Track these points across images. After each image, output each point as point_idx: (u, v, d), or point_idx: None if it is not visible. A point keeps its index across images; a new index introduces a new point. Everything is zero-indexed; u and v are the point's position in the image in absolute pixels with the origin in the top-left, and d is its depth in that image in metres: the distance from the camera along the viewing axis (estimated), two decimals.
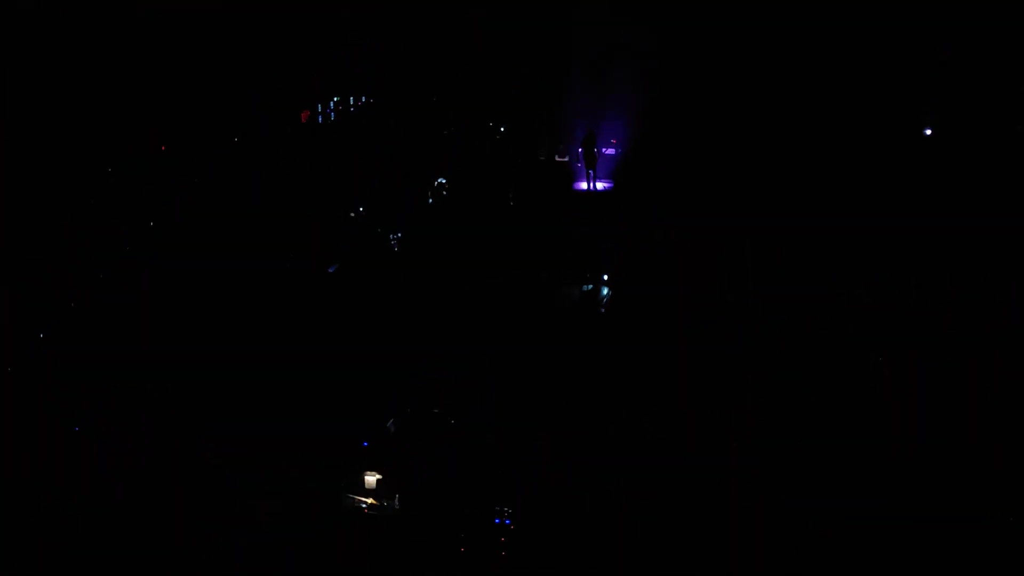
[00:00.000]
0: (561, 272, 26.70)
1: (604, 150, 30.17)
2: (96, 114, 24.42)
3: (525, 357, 23.46)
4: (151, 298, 23.27)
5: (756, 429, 20.35)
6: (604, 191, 30.08)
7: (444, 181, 29.57)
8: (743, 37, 27.38)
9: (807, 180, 25.94)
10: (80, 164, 24.31)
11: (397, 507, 18.95)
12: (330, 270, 25.94)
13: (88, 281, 23.32)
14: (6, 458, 19.17)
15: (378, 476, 19.18)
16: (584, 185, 30.09)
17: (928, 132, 25.57)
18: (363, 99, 30.00)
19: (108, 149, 24.63)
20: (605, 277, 26.65)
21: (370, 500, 19.05)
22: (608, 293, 26.50)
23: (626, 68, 28.88)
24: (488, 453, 19.95)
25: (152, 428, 20.01)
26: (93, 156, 24.39)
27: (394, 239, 27.93)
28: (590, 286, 26.82)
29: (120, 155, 25.27)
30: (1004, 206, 23.61)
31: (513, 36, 29.36)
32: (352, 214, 27.93)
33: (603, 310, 26.00)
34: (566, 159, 30.49)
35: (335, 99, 29.31)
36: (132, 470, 18.99)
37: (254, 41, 26.97)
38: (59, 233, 23.28)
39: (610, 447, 19.85)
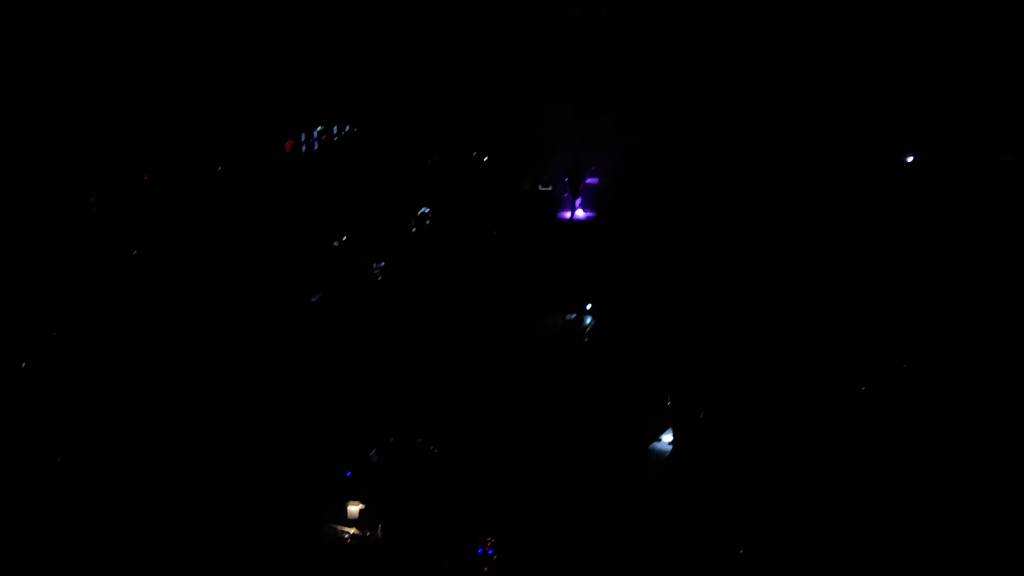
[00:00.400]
0: (545, 300, 26.71)
1: (587, 179, 30.23)
2: (81, 142, 24.35)
3: (508, 386, 23.48)
4: (131, 325, 23.13)
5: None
6: (587, 219, 30.14)
7: (428, 210, 29.58)
8: (722, 69, 27.46)
9: (785, 211, 26.01)
10: (63, 193, 24.22)
11: (380, 537, 18.87)
12: (313, 299, 25.87)
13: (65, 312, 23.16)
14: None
15: (361, 506, 19.12)
16: (568, 214, 30.15)
17: (910, 159, 25.60)
18: (347, 128, 29.99)
19: (92, 177, 24.52)
20: (588, 306, 26.65)
21: (353, 530, 18.98)
22: (591, 322, 26.50)
23: (609, 99, 28.99)
24: (471, 483, 19.90)
25: (132, 457, 19.89)
26: (78, 185, 24.28)
27: (377, 268, 27.90)
28: (574, 315, 26.82)
29: (103, 184, 25.16)
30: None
31: (497, 67, 29.42)
32: (335, 243, 27.89)
33: (586, 339, 26.00)
34: (549, 188, 30.54)
35: (319, 128, 29.29)
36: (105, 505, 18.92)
37: (239, 71, 26.97)
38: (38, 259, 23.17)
39: (592, 477, 19.85)
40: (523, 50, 29.22)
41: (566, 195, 30.00)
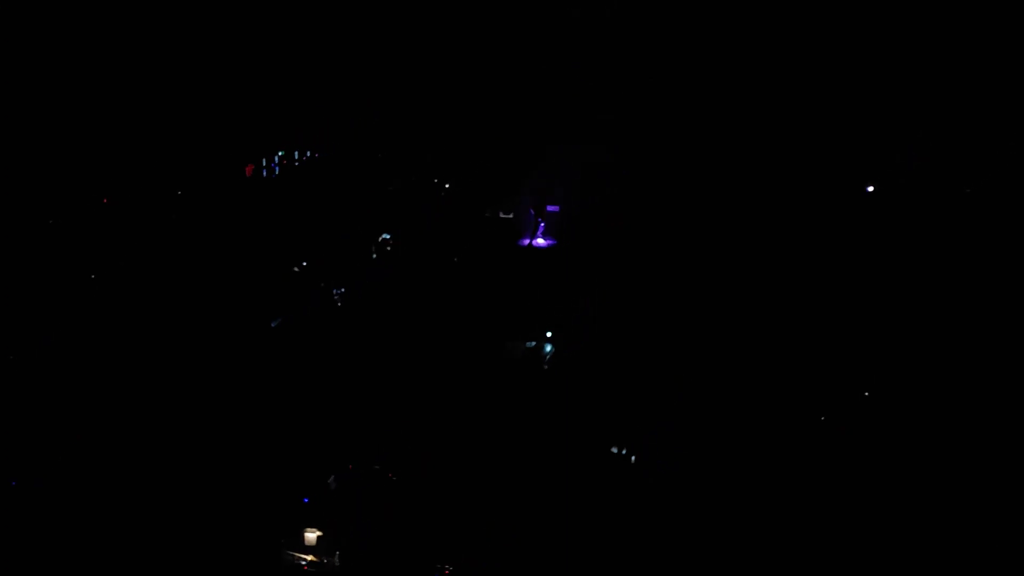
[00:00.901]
0: (505, 328, 26.75)
1: (547, 207, 30.34)
2: (36, 165, 24.14)
3: (468, 412, 23.46)
4: (89, 355, 22.89)
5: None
6: (548, 247, 30.23)
7: (388, 236, 29.55)
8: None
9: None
10: (17, 217, 24.00)
11: (337, 564, 18.73)
12: (272, 324, 25.73)
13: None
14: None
15: (318, 533, 18.98)
16: (528, 241, 30.24)
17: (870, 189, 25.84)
18: (308, 153, 29.95)
19: (50, 200, 24.30)
20: (548, 334, 26.69)
21: (310, 557, 18.82)
22: (551, 350, 26.54)
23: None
24: (429, 510, 19.82)
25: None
26: (34, 209, 24.06)
27: (337, 294, 27.82)
28: (533, 343, 26.86)
29: (61, 207, 24.95)
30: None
31: (459, 93, 29.46)
32: (295, 268, 27.79)
33: (546, 367, 26.03)
34: (511, 216, 30.61)
35: (280, 153, 29.23)
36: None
37: (199, 94, 26.88)
38: None
39: (552, 504, 19.84)
40: (488, 77, 29.24)
41: (528, 221, 30.11)
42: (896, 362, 22.41)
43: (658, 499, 20.44)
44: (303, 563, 18.69)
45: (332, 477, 20.56)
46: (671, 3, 26.96)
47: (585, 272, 28.07)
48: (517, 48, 27.94)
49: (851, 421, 21.26)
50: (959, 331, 22.44)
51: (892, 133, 25.33)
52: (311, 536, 18.85)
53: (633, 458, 22.07)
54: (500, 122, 29.09)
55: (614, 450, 22.72)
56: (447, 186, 30.84)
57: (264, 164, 28.76)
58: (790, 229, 25.74)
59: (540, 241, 30.15)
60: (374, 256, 29.60)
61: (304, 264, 28.13)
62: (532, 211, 30.02)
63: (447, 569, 18.42)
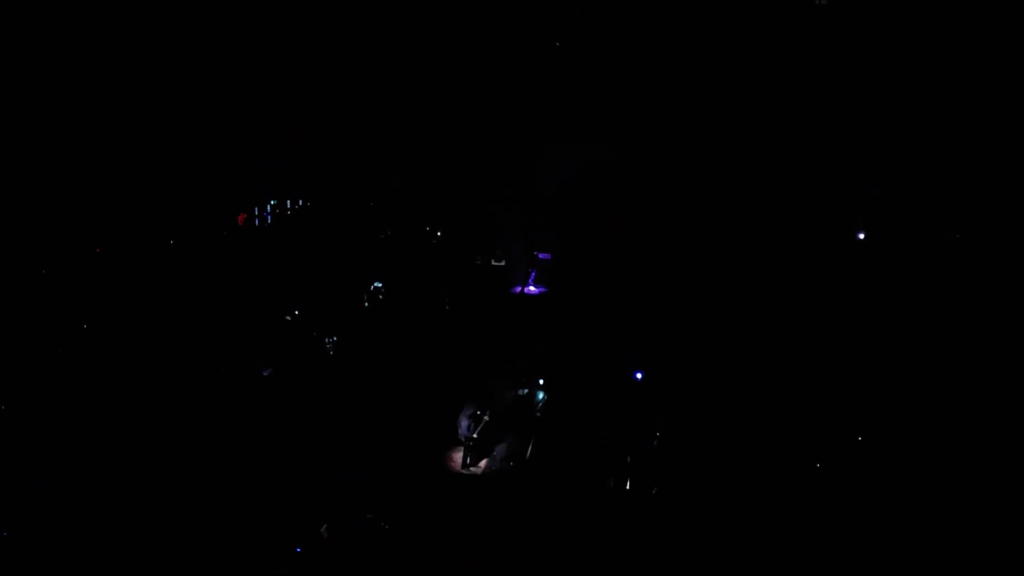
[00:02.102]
0: (497, 375, 26.71)
1: (539, 255, 30.39)
2: (33, 211, 24.13)
3: (458, 463, 23.48)
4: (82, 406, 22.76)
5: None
6: (539, 294, 30.24)
7: (380, 285, 29.57)
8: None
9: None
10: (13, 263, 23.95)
11: None
12: (264, 373, 25.67)
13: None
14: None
15: None
16: (520, 289, 30.26)
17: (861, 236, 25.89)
18: (300, 202, 30.02)
19: (43, 248, 24.28)
20: (541, 381, 26.66)
21: None
22: (544, 397, 26.49)
23: (561, 174, 29.10)
24: (423, 560, 19.72)
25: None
26: (29, 255, 24.02)
27: (329, 343, 27.78)
28: (525, 390, 26.82)
29: (54, 253, 24.93)
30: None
31: (448, 142, 29.51)
32: (287, 317, 27.77)
33: (538, 414, 25.97)
34: (502, 263, 30.64)
35: (272, 202, 29.29)
36: None
37: (191, 143, 26.96)
38: None
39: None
40: (477, 126, 29.30)
41: (520, 269, 30.13)
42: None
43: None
44: None
45: (324, 527, 20.44)
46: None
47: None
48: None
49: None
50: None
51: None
52: None
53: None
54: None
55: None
56: (439, 234, 30.90)
57: (256, 213, 28.80)
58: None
59: (532, 289, 30.16)
60: (366, 305, 29.59)
61: (296, 313, 28.10)
62: (519, 256, 30.08)
63: None
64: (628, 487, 21.50)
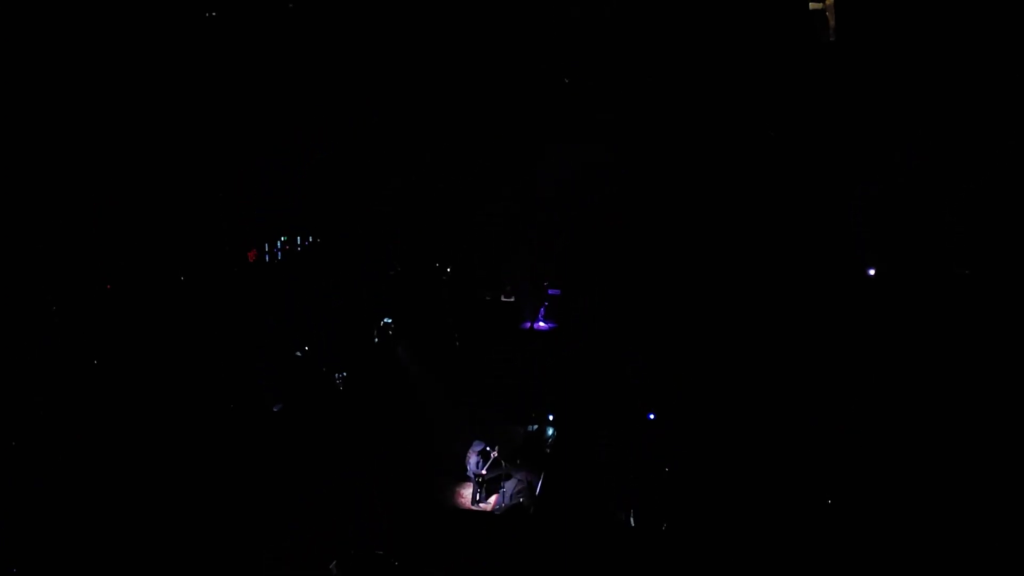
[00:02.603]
0: (507, 411, 26.76)
1: (549, 291, 30.49)
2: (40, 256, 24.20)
3: (468, 500, 23.49)
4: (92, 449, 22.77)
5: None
6: (548, 329, 30.31)
7: (390, 321, 29.68)
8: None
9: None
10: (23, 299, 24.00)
11: None
12: (275, 409, 25.73)
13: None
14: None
15: None
16: (529, 325, 30.35)
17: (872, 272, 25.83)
18: (310, 239, 30.16)
19: (53, 285, 24.35)
20: (551, 417, 26.69)
21: None
22: (553, 433, 26.51)
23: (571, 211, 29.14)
24: None
25: None
26: (39, 292, 24.07)
27: (339, 378, 27.85)
28: (535, 426, 26.85)
29: (63, 292, 25.01)
30: None
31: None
32: (298, 353, 27.85)
33: (548, 450, 25.98)
34: (512, 299, 30.72)
35: (282, 238, 29.43)
36: None
37: (201, 179, 27.09)
38: None
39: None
40: (487, 161, 29.33)
41: (529, 305, 30.21)
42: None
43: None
44: None
45: (334, 563, 20.43)
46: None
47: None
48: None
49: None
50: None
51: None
52: None
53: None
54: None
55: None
56: (448, 270, 31.04)
57: (267, 249, 28.93)
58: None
59: (542, 324, 30.24)
60: (376, 340, 29.68)
61: (306, 349, 28.19)
62: (529, 293, 30.18)
63: None
64: (637, 523, 21.50)
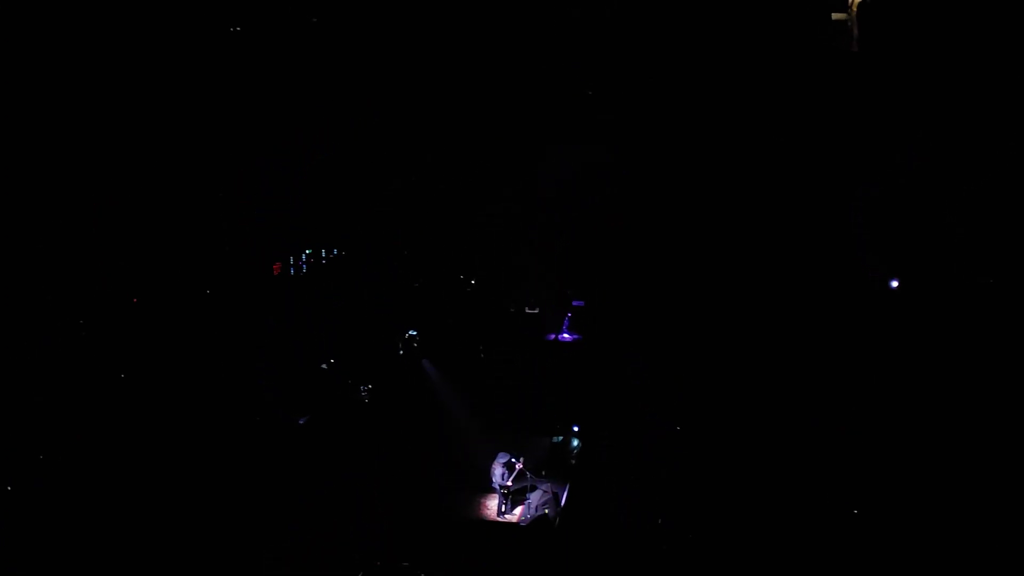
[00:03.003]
0: (532, 423, 26.74)
1: (573, 302, 30.49)
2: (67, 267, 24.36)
3: (493, 511, 23.44)
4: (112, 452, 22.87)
5: None
6: (572, 341, 30.31)
7: (415, 333, 29.74)
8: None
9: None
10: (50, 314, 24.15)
11: None
12: (300, 421, 25.79)
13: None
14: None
15: None
16: (554, 337, 30.36)
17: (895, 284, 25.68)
18: (334, 252, 30.27)
19: (81, 299, 24.51)
20: (576, 428, 26.65)
21: None
22: (578, 445, 26.46)
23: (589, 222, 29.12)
24: None
25: None
26: (65, 307, 24.23)
27: (364, 390, 27.91)
28: (560, 437, 26.81)
29: (89, 307, 25.18)
30: None
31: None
32: (323, 366, 27.93)
33: (573, 461, 25.93)
34: (536, 311, 30.74)
35: (307, 251, 29.55)
36: None
37: (226, 192, 27.22)
38: None
39: None
40: (509, 170, 29.31)
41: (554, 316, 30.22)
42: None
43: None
44: None
45: (360, 574, 20.43)
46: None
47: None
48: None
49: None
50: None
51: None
52: None
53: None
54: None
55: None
56: (472, 282, 31.09)
57: (292, 262, 29.05)
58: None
59: (566, 336, 30.24)
60: (400, 353, 29.75)
61: (331, 361, 28.26)
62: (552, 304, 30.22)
63: None
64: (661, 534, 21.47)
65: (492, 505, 23.79)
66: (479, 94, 28.47)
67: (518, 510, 23.54)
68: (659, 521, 21.35)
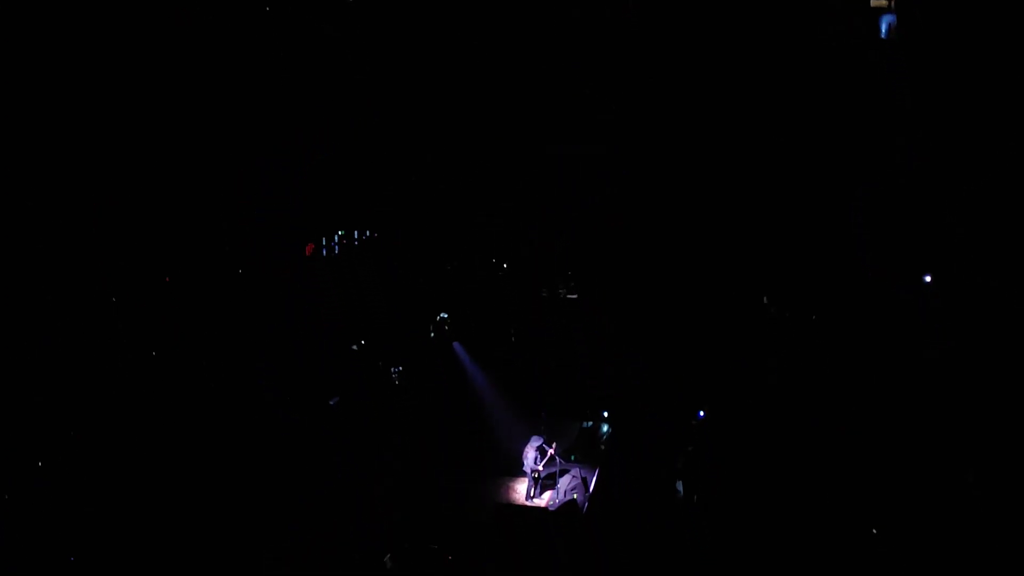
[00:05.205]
0: (563, 408, 26.67)
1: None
2: (99, 248, 24.47)
3: (523, 495, 23.44)
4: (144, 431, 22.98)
5: None
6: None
7: (446, 316, 29.70)
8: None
9: None
10: (84, 290, 24.28)
11: None
12: (331, 403, 25.83)
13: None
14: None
15: None
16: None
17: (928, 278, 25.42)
18: (367, 233, 30.25)
19: (113, 279, 24.64)
20: (606, 414, 26.57)
21: None
22: (608, 430, 26.38)
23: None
24: None
25: None
26: (99, 286, 24.36)
27: (395, 372, 27.91)
28: (590, 423, 26.74)
29: (122, 284, 25.31)
30: None
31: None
32: (354, 347, 27.94)
33: (603, 447, 25.86)
34: (575, 296, 30.54)
35: (340, 232, 29.55)
36: None
37: (259, 173, 27.26)
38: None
39: None
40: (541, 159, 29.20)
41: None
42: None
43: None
44: None
45: (388, 556, 20.47)
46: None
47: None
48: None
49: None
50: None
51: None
52: None
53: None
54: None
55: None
56: (504, 266, 30.97)
57: (324, 243, 29.08)
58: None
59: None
60: (432, 335, 29.72)
61: (362, 343, 28.27)
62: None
63: None
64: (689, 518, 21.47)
65: (520, 489, 23.77)
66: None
67: (547, 495, 23.49)
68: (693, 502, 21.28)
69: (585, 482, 23.65)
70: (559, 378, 27.66)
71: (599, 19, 27.04)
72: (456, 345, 29.00)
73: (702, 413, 24.49)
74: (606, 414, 26.59)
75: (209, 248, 26.30)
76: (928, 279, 25.28)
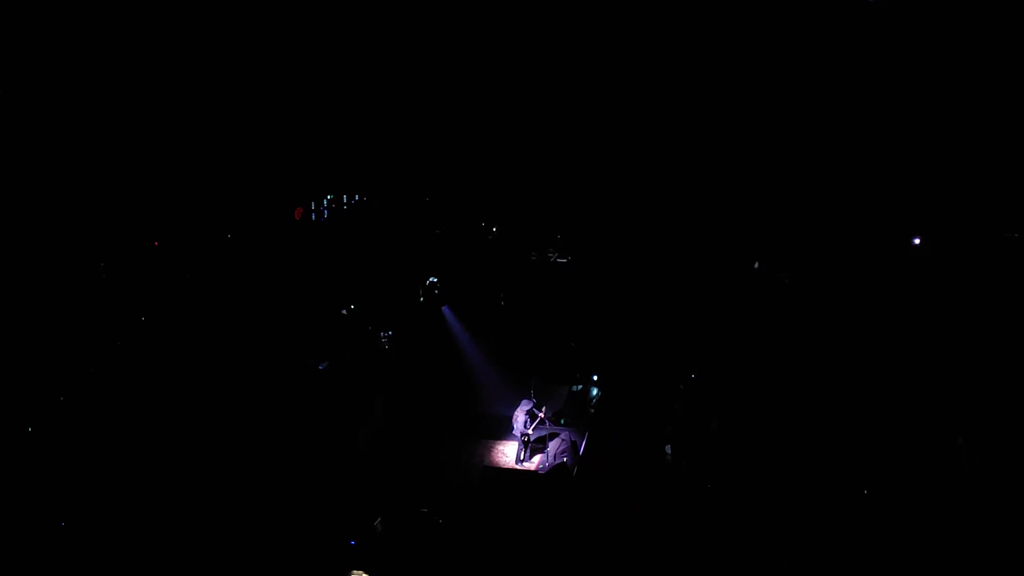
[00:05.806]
0: (551, 371, 26.71)
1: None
2: (90, 207, 24.35)
3: (512, 459, 23.46)
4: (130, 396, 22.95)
5: None
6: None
7: (436, 280, 29.66)
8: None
9: None
10: (71, 259, 24.20)
11: None
12: (320, 367, 25.82)
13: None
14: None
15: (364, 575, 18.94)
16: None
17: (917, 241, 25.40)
18: (356, 197, 30.16)
19: (101, 243, 24.54)
20: (595, 377, 26.61)
21: None
22: (598, 393, 26.43)
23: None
24: (476, 555, 19.72)
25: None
26: (87, 251, 24.27)
27: (384, 337, 27.89)
28: (580, 386, 26.78)
29: (112, 250, 25.21)
30: None
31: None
32: (343, 311, 27.91)
33: (592, 411, 25.90)
34: (566, 260, 30.53)
35: (328, 196, 29.46)
36: None
37: (249, 136, 27.12)
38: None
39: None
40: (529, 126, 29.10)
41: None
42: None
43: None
44: None
45: (379, 520, 20.51)
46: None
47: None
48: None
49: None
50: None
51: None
52: None
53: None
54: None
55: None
56: (494, 230, 30.92)
57: (313, 207, 28.99)
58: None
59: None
60: (421, 299, 29.69)
61: (352, 307, 28.23)
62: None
63: None
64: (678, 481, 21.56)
65: (510, 453, 23.83)
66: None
67: (537, 458, 23.56)
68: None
69: (575, 445, 23.71)
70: (549, 341, 27.65)
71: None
72: (445, 309, 28.97)
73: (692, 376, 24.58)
74: (595, 378, 26.59)
75: (198, 213, 26.21)
76: (917, 241, 25.34)
